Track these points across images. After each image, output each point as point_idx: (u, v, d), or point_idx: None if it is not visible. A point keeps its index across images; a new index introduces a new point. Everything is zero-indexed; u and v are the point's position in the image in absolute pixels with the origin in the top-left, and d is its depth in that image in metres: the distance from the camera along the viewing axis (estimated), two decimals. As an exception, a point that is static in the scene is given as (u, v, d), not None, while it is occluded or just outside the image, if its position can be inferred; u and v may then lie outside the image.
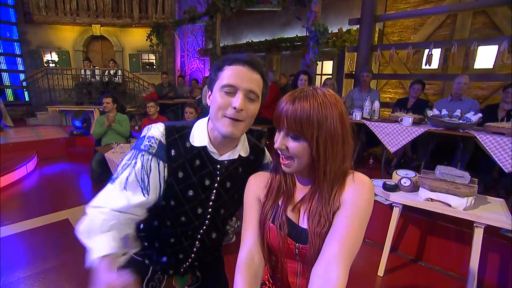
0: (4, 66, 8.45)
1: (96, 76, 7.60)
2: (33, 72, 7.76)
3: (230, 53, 0.89)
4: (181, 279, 1.02)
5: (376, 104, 3.21)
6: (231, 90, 0.79)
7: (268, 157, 1.03)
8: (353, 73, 4.66)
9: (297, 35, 6.70)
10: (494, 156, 2.29)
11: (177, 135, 0.87)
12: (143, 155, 0.82)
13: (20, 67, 8.66)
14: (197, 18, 6.15)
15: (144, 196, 0.81)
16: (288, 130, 0.71)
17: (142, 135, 0.87)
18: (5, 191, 3.54)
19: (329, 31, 4.10)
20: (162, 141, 0.84)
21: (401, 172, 2.18)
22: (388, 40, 5.81)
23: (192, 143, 0.87)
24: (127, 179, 0.80)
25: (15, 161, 4.16)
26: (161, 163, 0.84)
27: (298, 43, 6.68)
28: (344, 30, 5.71)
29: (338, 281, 0.62)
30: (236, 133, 0.81)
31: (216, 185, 0.91)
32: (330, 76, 6.60)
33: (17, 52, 8.49)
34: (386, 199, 2.34)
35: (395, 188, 2.06)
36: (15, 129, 6.35)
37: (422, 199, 1.93)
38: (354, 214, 0.70)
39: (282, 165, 0.77)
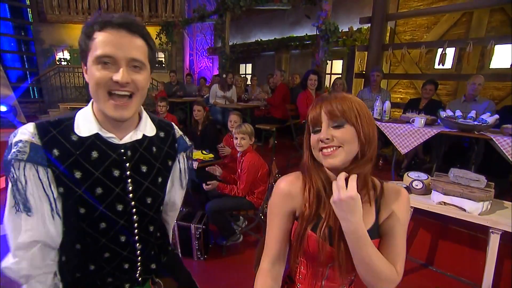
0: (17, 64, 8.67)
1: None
2: (46, 70, 7.93)
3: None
4: None
5: (387, 104, 3.15)
6: (109, 61, 0.66)
7: (177, 130, 0.92)
8: (363, 72, 4.59)
9: (306, 34, 6.64)
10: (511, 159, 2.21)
11: (55, 130, 0.70)
12: (12, 165, 0.66)
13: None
14: (207, 16, 6.18)
15: (28, 216, 0.68)
16: (331, 119, 0.71)
17: (9, 143, 0.69)
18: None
19: (340, 30, 4.04)
20: (35, 141, 0.68)
21: (413, 174, 2.13)
22: (399, 39, 5.69)
23: (79, 134, 0.72)
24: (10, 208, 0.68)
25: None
26: (40, 168, 0.68)
27: (307, 42, 6.62)
28: (355, 29, 5.63)
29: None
30: (128, 114, 0.71)
31: (128, 173, 0.77)
32: (340, 76, 6.52)
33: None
34: (396, 202, 2.28)
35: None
36: (28, 126, 6.47)
37: (434, 202, 1.88)
38: (403, 229, 0.78)
39: (326, 159, 0.72)
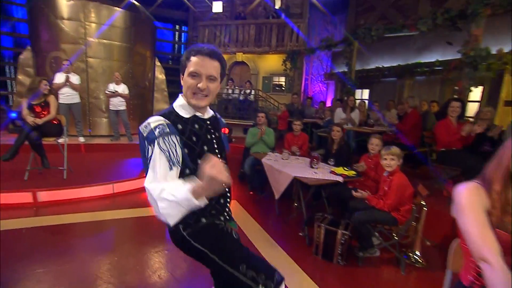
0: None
1: (234, 95, 9.09)
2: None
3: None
4: (231, 223, 1.28)
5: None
6: (196, 75, 1.07)
7: (217, 114, 1.35)
8: (518, 101, 4.05)
9: (437, 59, 6.26)
10: None
11: (172, 116, 1.12)
12: (163, 138, 1.03)
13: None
14: (333, 46, 6.65)
15: (173, 169, 1.05)
16: None
17: (146, 133, 1.04)
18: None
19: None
20: (168, 122, 1.08)
21: None
22: None
23: (184, 116, 1.13)
24: (160, 168, 1.02)
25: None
26: (176, 137, 1.07)
27: (438, 68, 6.23)
28: (506, 50, 5.00)
29: None
30: (203, 104, 1.12)
31: (213, 135, 1.21)
32: (478, 103, 5.83)
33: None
34: None
35: None
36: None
37: None
38: None
39: None
